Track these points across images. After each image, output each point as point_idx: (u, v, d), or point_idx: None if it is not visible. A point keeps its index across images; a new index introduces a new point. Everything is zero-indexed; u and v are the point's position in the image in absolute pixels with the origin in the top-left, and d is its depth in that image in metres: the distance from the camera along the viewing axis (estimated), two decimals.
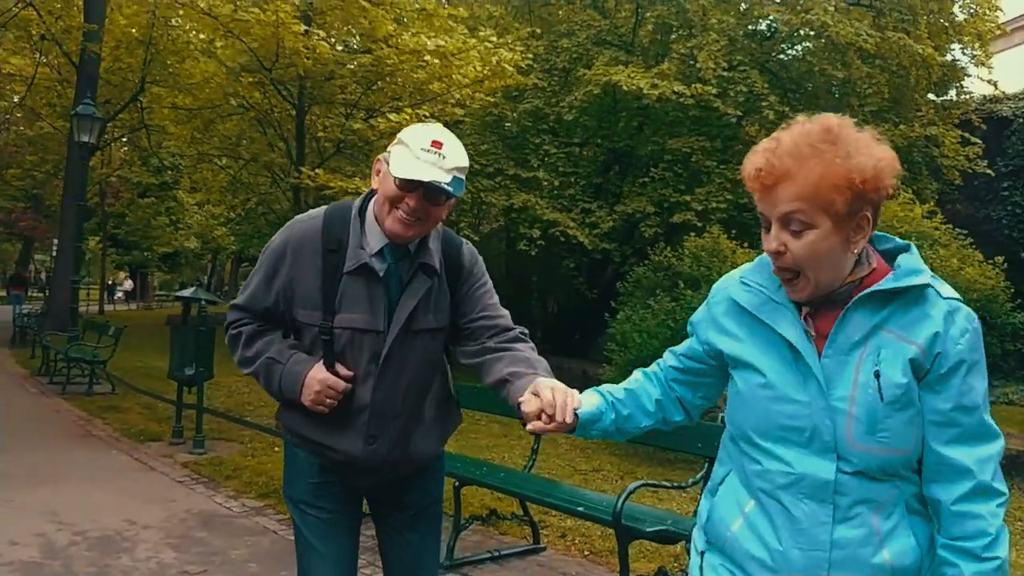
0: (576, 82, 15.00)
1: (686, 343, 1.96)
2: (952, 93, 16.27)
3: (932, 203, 12.25)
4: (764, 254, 1.74)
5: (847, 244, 1.62)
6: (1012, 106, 15.61)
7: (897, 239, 1.76)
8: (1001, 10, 15.48)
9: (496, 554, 4.91)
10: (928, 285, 1.63)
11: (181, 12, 10.78)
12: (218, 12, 7.99)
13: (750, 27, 15.60)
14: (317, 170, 8.47)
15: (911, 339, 1.61)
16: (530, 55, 12.11)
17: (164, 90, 16.32)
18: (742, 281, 1.81)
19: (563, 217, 14.27)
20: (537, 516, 5.35)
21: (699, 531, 1.87)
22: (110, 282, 36.47)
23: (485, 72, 11.12)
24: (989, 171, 14.65)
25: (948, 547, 1.61)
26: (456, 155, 2.20)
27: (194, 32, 12.20)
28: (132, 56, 16.62)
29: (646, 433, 2.00)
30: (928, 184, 14.71)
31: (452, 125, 10.70)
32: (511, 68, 11.46)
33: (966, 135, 14.85)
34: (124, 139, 22.98)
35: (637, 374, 2.02)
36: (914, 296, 1.63)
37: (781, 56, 15.91)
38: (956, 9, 15.34)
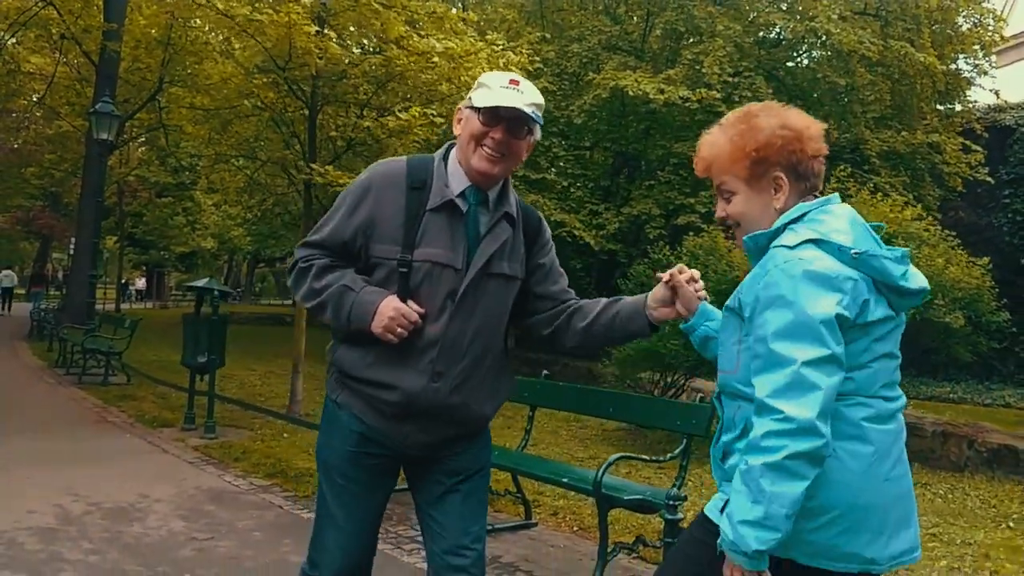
0: (586, 86, 15.26)
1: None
2: (958, 106, 16.45)
3: (935, 208, 12.43)
4: None
5: (769, 201, 1.92)
6: (1015, 116, 15.82)
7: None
8: (1005, 22, 15.65)
9: (490, 527, 5.13)
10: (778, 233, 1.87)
11: (199, 13, 11.00)
12: (235, 12, 8.24)
13: (760, 34, 15.82)
14: (328, 167, 8.71)
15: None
16: (538, 58, 12.32)
17: (182, 90, 16.44)
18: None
19: (571, 218, 14.49)
20: (531, 496, 5.59)
21: None
22: (123, 281, 36.82)
23: None
24: (990, 179, 14.83)
25: None
26: (533, 92, 2.32)
27: (212, 33, 12.41)
28: (151, 56, 16.77)
29: None
30: (931, 190, 14.90)
31: None
32: (518, 71, 11.68)
33: (968, 143, 15.01)
34: (142, 139, 23.22)
35: None
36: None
37: (788, 63, 16.13)
38: (960, 19, 15.51)
